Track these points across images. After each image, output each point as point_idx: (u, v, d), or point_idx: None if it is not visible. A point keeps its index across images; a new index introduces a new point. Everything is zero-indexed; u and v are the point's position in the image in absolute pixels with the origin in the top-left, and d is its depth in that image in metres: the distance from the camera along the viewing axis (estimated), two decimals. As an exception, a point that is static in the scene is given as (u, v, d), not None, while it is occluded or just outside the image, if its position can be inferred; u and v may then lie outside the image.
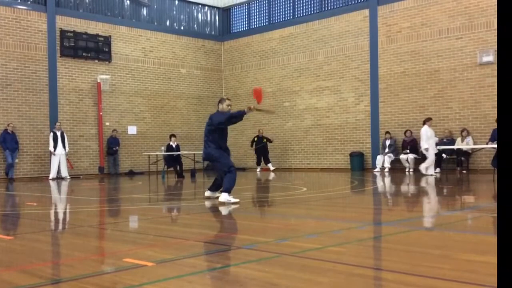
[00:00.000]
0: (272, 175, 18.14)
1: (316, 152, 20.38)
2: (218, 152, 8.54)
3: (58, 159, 17.48)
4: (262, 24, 22.61)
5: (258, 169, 20.63)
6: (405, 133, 17.42)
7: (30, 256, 4.57)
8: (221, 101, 8.78)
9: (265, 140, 20.52)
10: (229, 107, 8.67)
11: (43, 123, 18.14)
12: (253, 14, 23.10)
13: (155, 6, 21.68)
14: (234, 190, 8.64)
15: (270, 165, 20.50)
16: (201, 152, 9.18)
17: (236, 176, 8.50)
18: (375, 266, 3.95)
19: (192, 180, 15.90)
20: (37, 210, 8.59)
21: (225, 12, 23.84)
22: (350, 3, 19.72)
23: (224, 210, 7.67)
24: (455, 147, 15.40)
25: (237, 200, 8.37)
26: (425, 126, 14.92)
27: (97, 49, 19.43)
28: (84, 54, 19.11)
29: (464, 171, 15.83)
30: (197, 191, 11.91)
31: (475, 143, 15.80)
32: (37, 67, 18.07)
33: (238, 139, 22.56)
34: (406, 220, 6.39)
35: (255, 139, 20.74)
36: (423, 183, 12.71)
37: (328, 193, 10.57)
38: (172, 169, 17.66)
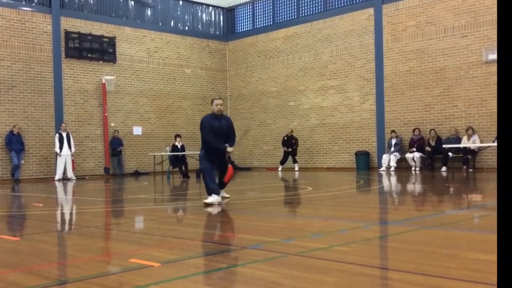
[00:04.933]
0: (296, 174, 17.99)
1: (321, 152, 20.35)
2: (201, 155, 8.54)
3: (64, 160, 17.53)
4: (266, 24, 22.59)
5: (280, 168, 20.42)
6: (413, 131, 17.35)
7: (36, 257, 4.58)
8: (212, 101, 8.61)
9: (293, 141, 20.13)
10: (218, 106, 8.43)
11: (48, 124, 18.20)
12: (257, 14, 23.09)
13: (159, 7, 21.71)
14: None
15: (296, 165, 20.05)
16: None
17: (205, 177, 8.29)
18: (382, 266, 3.94)
19: (197, 180, 15.90)
20: (43, 211, 8.61)
21: (230, 12, 23.84)
22: (354, 2, 19.67)
23: (229, 211, 7.66)
24: (461, 145, 15.33)
25: (211, 201, 8.05)
26: None
27: (101, 50, 19.47)
28: (89, 55, 19.16)
29: (470, 170, 15.76)
30: (202, 191, 11.87)
31: (481, 142, 15.73)
32: (42, 69, 18.13)
33: (243, 139, 22.54)
34: (412, 219, 6.36)
35: (285, 138, 20.28)
36: (429, 182, 12.66)
37: (333, 193, 10.54)
38: (177, 169, 17.69)
